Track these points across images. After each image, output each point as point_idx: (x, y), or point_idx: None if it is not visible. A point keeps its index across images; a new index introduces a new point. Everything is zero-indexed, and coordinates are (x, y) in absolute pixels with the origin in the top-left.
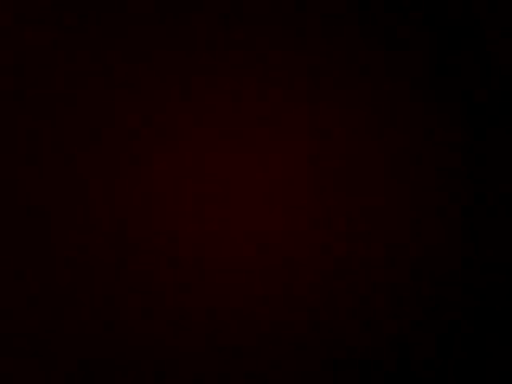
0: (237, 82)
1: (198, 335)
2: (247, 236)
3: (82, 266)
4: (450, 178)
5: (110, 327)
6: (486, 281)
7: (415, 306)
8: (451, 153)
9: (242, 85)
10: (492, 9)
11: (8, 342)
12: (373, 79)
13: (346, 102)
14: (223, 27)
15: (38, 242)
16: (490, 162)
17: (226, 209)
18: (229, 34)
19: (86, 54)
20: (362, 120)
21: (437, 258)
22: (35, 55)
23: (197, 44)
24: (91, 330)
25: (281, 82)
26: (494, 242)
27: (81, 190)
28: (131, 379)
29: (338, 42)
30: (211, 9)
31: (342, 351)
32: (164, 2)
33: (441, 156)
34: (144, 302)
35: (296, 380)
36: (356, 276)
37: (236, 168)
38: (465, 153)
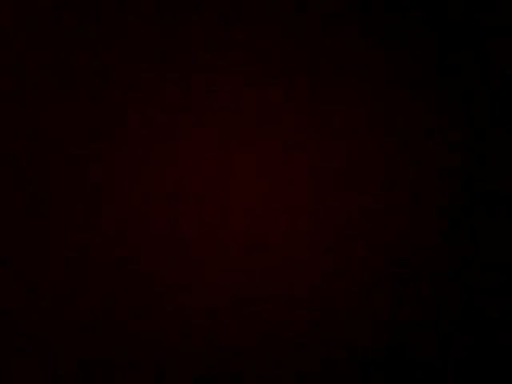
0: (237, 82)
1: (198, 335)
2: (247, 236)
3: (82, 266)
4: (450, 178)
5: (110, 327)
6: (486, 281)
7: (415, 306)
8: (451, 153)
9: (242, 85)
10: (492, 9)
11: (8, 341)
12: (373, 79)
13: (345, 101)
14: (223, 27)
15: (38, 242)
16: (490, 162)
17: (226, 209)
18: (229, 33)
19: (86, 54)
20: (362, 120)
21: (437, 258)
22: (35, 55)
23: (197, 44)
24: (91, 330)
25: (281, 82)
26: (494, 242)
27: (81, 190)
28: (131, 379)
29: (338, 42)
30: (211, 9)
31: (342, 351)
32: (164, 2)
33: (441, 156)
34: (144, 302)
35: (296, 380)
36: (356, 276)
37: (236, 168)
38: (465, 153)
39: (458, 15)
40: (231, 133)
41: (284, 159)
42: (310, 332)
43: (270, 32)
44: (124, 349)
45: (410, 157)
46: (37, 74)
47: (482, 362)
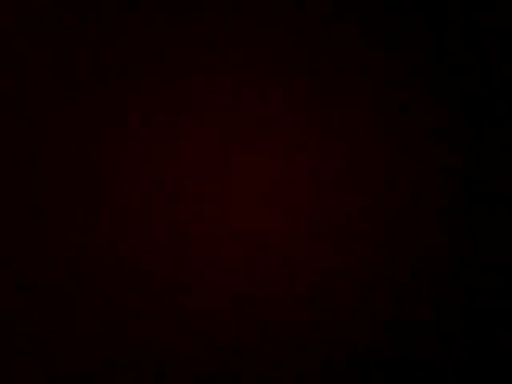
0: (237, 82)
1: (198, 335)
2: (247, 236)
3: (81, 266)
4: (450, 178)
5: (110, 327)
6: (485, 281)
7: (415, 306)
8: (451, 153)
9: (242, 85)
10: (492, 9)
11: (8, 341)
12: (373, 79)
13: (345, 101)
14: (223, 27)
15: (38, 242)
16: (490, 162)
17: (226, 209)
18: (229, 34)
19: (85, 53)
20: (361, 120)
21: (437, 258)
22: (35, 55)
23: (197, 44)
24: (91, 329)
25: (281, 82)
26: (494, 242)
27: (81, 191)
28: (131, 379)
29: (338, 42)
30: (211, 9)
31: (342, 351)
32: (164, 2)
33: (441, 156)
34: (144, 302)
35: (296, 380)
36: (356, 276)
37: (236, 168)
38: (465, 153)
39: (458, 15)
40: (231, 133)
41: (284, 159)
42: (309, 332)
43: (270, 32)
44: (124, 349)
45: (410, 157)
46: (37, 74)
47: (482, 362)
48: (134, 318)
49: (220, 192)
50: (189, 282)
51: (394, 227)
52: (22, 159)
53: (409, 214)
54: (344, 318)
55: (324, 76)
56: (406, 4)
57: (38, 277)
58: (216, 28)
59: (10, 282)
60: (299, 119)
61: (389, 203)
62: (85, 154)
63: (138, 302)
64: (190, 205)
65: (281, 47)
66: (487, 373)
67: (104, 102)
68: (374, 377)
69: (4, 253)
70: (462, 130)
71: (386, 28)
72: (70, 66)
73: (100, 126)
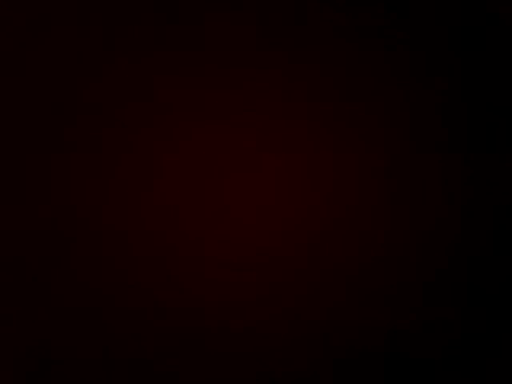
0: (237, 82)
1: (198, 335)
2: (247, 236)
3: (81, 266)
4: (450, 178)
5: (110, 327)
6: (486, 281)
7: (415, 306)
8: (451, 153)
9: (242, 85)
10: (493, 9)
11: (8, 341)
12: (373, 79)
13: (346, 101)
14: (223, 27)
15: (38, 242)
16: (490, 162)
17: (226, 208)
18: (230, 34)
19: (86, 53)
20: (362, 120)
21: (437, 257)
22: (35, 55)
23: (197, 44)
24: (91, 330)
25: (281, 82)
26: (494, 242)
27: (81, 191)
28: (131, 379)
29: (338, 42)
30: (211, 9)
31: (343, 351)
32: (164, 2)
33: (441, 155)
34: (144, 303)
35: (296, 380)
36: (356, 276)
37: (235, 168)
38: (465, 153)
39: (458, 15)
40: (231, 133)
41: (284, 159)
42: (309, 332)
43: (271, 32)
44: (124, 349)
45: (410, 157)
46: (37, 74)
47: (482, 362)
48: (134, 317)
49: (220, 192)
50: (188, 281)
51: (393, 227)
52: (22, 160)
53: (408, 215)
54: (344, 317)
55: (324, 76)
56: (405, 4)
57: (38, 277)
58: (216, 28)
59: (10, 282)
60: (299, 119)
61: (389, 203)
62: (85, 153)
63: (138, 302)
64: (189, 205)
65: (281, 47)
66: (487, 373)
67: (104, 102)
68: (374, 377)
69: (4, 253)
70: (462, 129)
71: (386, 28)
72: (70, 65)
73: (99, 126)
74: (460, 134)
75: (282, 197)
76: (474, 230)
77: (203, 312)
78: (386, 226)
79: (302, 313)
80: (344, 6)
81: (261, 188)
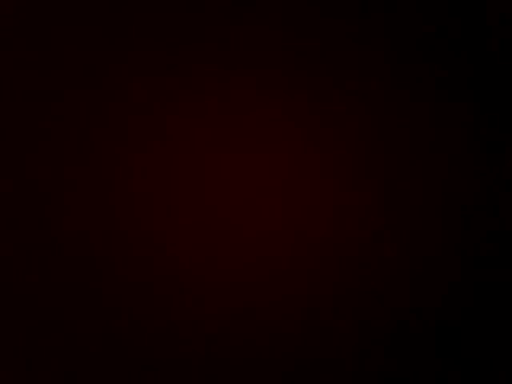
0: (237, 82)
1: (198, 335)
2: (246, 236)
3: (81, 266)
4: (450, 178)
5: (111, 327)
6: (485, 281)
7: (415, 306)
8: (452, 152)
9: (242, 85)
10: (495, 9)
11: (8, 341)
12: (373, 79)
13: (346, 101)
14: (224, 27)
15: (38, 243)
16: (491, 162)
17: (226, 208)
18: (229, 34)
19: (86, 53)
20: (362, 120)
21: (437, 257)
22: (35, 55)
23: (196, 44)
24: (91, 330)
25: (280, 83)
26: (494, 242)
27: (81, 191)
28: (131, 379)
29: (338, 43)
30: (212, 8)
31: (343, 351)
32: (164, 2)
33: (441, 155)
34: (144, 303)
35: (296, 380)
36: (356, 276)
37: (235, 168)
38: (465, 153)
39: (458, 15)
40: (231, 133)
41: (284, 159)
42: (310, 332)
43: (271, 33)
44: (124, 348)
45: (411, 157)
46: (36, 74)
47: (481, 362)
48: (135, 317)
49: (220, 192)
50: (188, 282)
51: (394, 227)
52: (20, 161)
53: (409, 214)
54: (344, 318)
55: (324, 76)
56: (405, 3)
57: (38, 276)
58: (216, 28)
59: (10, 282)
60: (299, 119)
61: (389, 203)
62: (84, 154)
63: (139, 302)
64: (190, 205)
65: (281, 47)
66: (487, 373)
67: (103, 101)
68: (373, 377)
69: (4, 253)
70: (463, 129)
71: (386, 28)
72: (69, 65)
73: (100, 126)
74: (460, 134)
75: (282, 196)
76: (474, 229)
77: (203, 313)
78: (387, 226)
79: (303, 313)
80: (344, 9)
81: (260, 188)
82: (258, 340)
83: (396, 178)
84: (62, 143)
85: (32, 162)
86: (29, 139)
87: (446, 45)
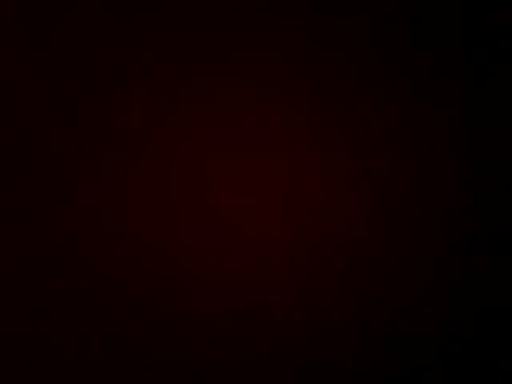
0: (237, 82)
1: (198, 335)
2: (247, 236)
3: (81, 266)
4: (450, 178)
5: (110, 328)
6: (485, 281)
7: (415, 306)
8: (451, 153)
9: (243, 85)
10: (499, 9)
11: (8, 342)
12: (373, 79)
13: (346, 101)
14: (224, 27)
15: (38, 243)
16: (490, 161)
17: (227, 208)
18: (229, 34)
19: (86, 53)
20: (362, 120)
21: (436, 257)
22: (35, 54)
23: (196, 44)
24: (91, 330)
25: (281, 83)
26: (494, 242)
27: (81, 191)
28: (131, 379)
29: (338, 43)
30: (212, 8)
31: (343, 351)
32: (164, 2)
33: (441, 156)
34: (144, 303)
35: (296, 380)
36: (356, 276)
37: (236, 168)
38: (465, 153)
39: (458, 15)
40: (231, 133)
41: (284, 159)
42: (309, 332)
43: (270, 32)
44: (124, 349)
45: (410, 157)
46: (36, 74)
47: (481, 362)
48: (135, 318)
49: (220, 192)
50: (188, 282)
51: (394, 227)
52: (20, 161)
53: (408, 214)
54: (344, 317)
55: (324, 76)
56: (405, 3)
57: (38, 277)
58: (216, 28)
59: (10, 283)
60: (299, 119)
61: (389, 203)
62: (84, 153)
63: (139, 303)
64: (189, 205)
65: (281, 48)
66: (487, 373)
67: (103, 101)
68: (373, 377)
69: (4, 253)
70: (463, 128)
71: (386, 28)
72: (70, 65)
73: (99, 126)
74: (459, 134)
75: (282, 196)
76: (474, 229)
77: (203, 313)
78: (388, 227)
79: (302, 313)
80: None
81: (260, 188)
82: (258, 340)
83: (396, 178)
84: (62, 143)
85: (32, 162)
86: (29, 139)
87: (446, 45)
